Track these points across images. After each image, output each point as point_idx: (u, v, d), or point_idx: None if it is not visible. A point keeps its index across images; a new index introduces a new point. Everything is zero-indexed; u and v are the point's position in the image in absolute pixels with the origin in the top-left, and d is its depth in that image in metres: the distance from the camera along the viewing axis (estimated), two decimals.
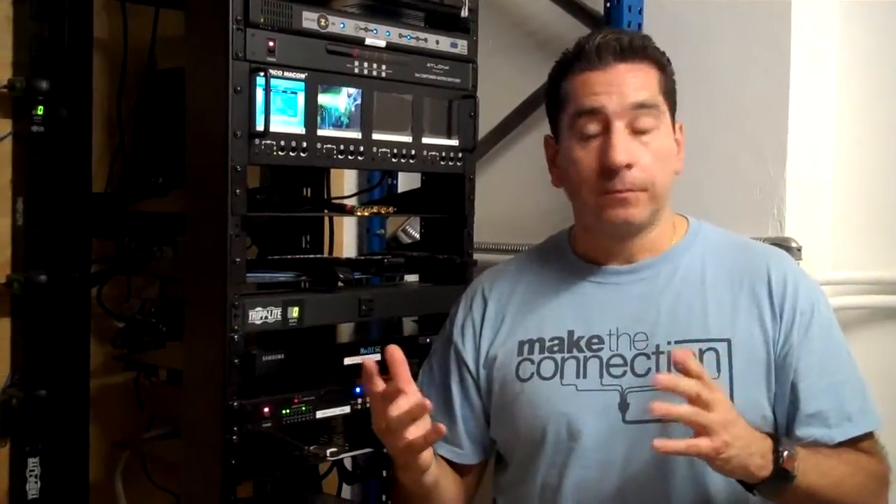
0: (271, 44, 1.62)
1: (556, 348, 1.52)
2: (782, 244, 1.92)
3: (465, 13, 1.93)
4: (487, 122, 2.40)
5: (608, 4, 2.23)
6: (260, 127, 1.59)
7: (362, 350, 1.82)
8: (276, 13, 1.63)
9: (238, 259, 1.60)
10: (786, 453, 1.32)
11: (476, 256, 2.01)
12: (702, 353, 1.44)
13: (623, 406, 1.45)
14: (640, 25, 2.21)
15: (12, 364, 1.90)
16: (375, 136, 1.79)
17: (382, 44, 1.79)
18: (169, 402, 1.89)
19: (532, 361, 1.52)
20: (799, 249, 1.97)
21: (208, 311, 1.62)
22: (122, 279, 2.00)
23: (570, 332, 1.52)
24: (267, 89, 1.59)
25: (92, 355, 1.97)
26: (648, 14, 2.21)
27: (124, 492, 2.00)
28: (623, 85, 1.46)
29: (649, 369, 1.45)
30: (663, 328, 1.47)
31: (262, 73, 1.59)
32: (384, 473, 2.59)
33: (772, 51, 2.03)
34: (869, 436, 1.47)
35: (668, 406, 1.25)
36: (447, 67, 1.90)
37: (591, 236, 1.56)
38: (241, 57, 1.58)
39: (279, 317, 1.66)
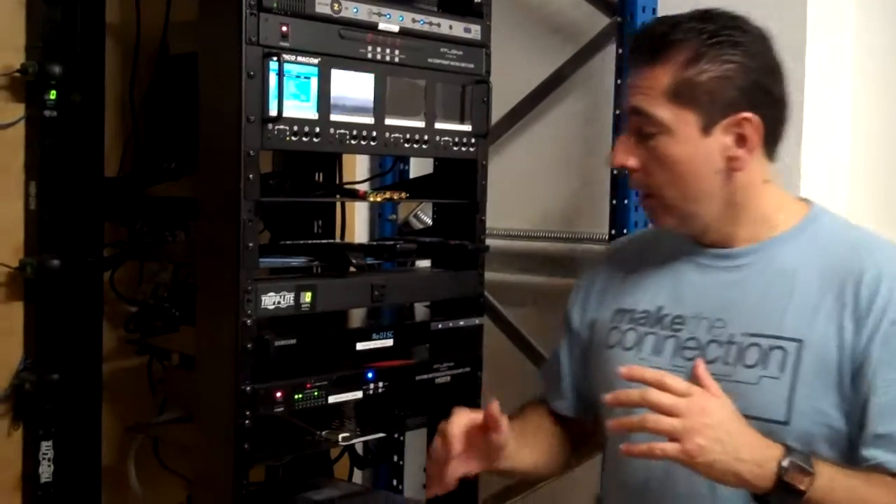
0: (284, 28, 1.61)
1: (642, 321, 1.54)
2: None
3: None
4: (500, 107, 2.40)
5: None
6: (273, 112, 1.59)
7: (374, 336, 1.82)
8: None
9: (251, 244, 1.60)
10: (788, 467, 1.26)
11: (488, 242, 2.01)
12: (770, 349, 1.39)
13: None
14: (654, 10, 2.20)
15: (25, 348, 1.90)
16: (388, 122, 1.78)
17: (396, 28, 1.78)
18: (181, 386, 1.90)
19: (620, 330, 1.56)
20: None
21: (221, 295, 1.62)
22: (135, 264, 2.00)
23: (659, 308, 1.53)
24: (280, 74, 1.59)
25: (105, 339, 1.98)
26: (663, 1, 2.20)
27: (137, 475, 2.01)
28: (633, 87, 1.46)
29: (718, 357, 1.43)
30: (742, 318, 1.44)
31: (275, 58, 1.58)
32: (395, 458, 2.60)
33: (788, 40, 2.01)
34: None
35: (621, 420, 1.30)
36: (460, 52, 1.89)
37: None
38: (254, 42, 1.58)
39: (292, 302, 1.66)
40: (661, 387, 1.28)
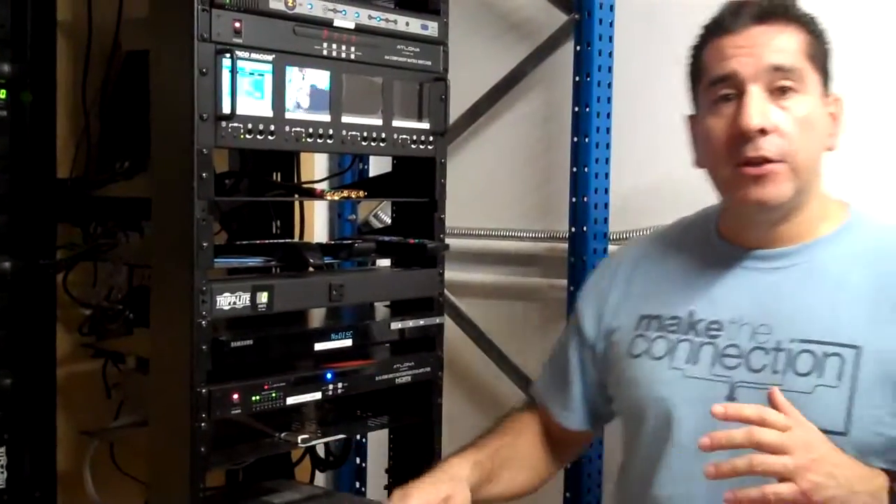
0: (237, 25, 1.59)
1: (672, 328, 1.46)
2: None
3: None
4: (459, 105, 2.39)
5: None
6: (227, 109, 1.56)
7: (333, 336, 1.80)
8: None
9: (205, 244, 1.58)
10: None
11: (448, 241, 1.99)
12: (825, 356, 1.34)
13: (731, 400, 1.37)
14: (612, 7, 2.20)
15: None
16: (345, 119, 1.76)
17: (351, 25, 1.77)
18: (137, 389, 1.87)
19: (646, 338, 1.48)
20: None
21: (175, 296, 1.60)
22: (89, 266, 1.97)
23: (691, 313, 1.46)
24: (233, 71, 1.57)
25: (58, 343, 1.94)
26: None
27: (93, 481, 1.98)
28: (758, 46, 1.38)
29: (765, 365, 1.37)
30: (789, 324, 1.38)
31: (228, 55, 1.56)
32: (357, 460, 2.59)
33: None
34: None
35: (724, 465, 1.17)
36: (418, 50, 1.88)
37: (730, 215, 1.48)
38: (206, 38, 1.55)
39: (248, 302, 1.64)
40: (763, 423, 1.19)
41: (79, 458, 1.98)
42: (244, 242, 1.96)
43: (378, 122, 1.82)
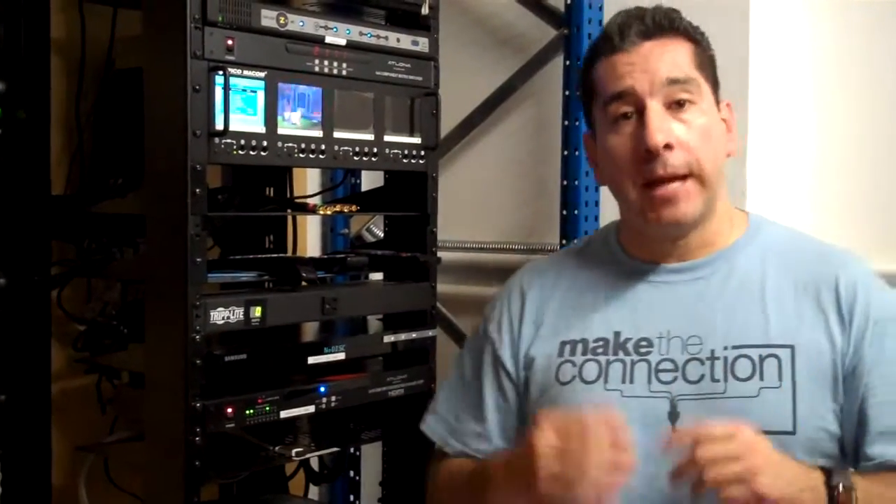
0: (230, 42, 1.61)
1: (600, 350, 1.43)
2: None
3: (425, 11, 1.93)
4: (450, 119, 2.41)
5: (568, 1, 2.24)
6: (219, 126, 1.58)
7: (326, 349, 1.81)
8: (234, 11, 1.61)
9: (199, 259, 1.59)
10: (840, 487, 1.23)
11: (440, 254, 2.01)
12: (762, 359, 1.35)
13: (673, 415, 1.36)
14: (600, 23, 2.22)
15: None
16: (337, 135, 1.78)
17: (343, 42, 1.79)
18: (132, 404, 1.87)
19: (573, 364, 1.44)
20: None
21: (169, 312, 1.61)
22: (83, 282, 1.98)
23: (617, 334, 1.43)
24: (226, 88, 1.58)
25: (53, 359, 1.95)
26: (608, 11, 2.22)
27: (88, 496, 1.98)
28: (651, 61, 1.37)
29: (703, 375, 1.36)
30: (719, 332, 1.38)
31: (220, 72, 1.58)
32: (351, 473, 2.59)
33: (730, 47, 2.04)
34: None
35: (695, 484, 1.19)
36: (408, 65, 1.90)
37: (635, 232, 1.47)
38: (199, 56, 1.57)
39: (241, 317, 1.65)
40: (706, 440, 1.20)
41: (74, 473, 1.99)
42: (237, 257, 1.97)
43: (370, 136, 1.84)
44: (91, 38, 1.97)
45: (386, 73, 1.86)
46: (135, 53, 1.73)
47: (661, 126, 1.35)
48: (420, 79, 1.92)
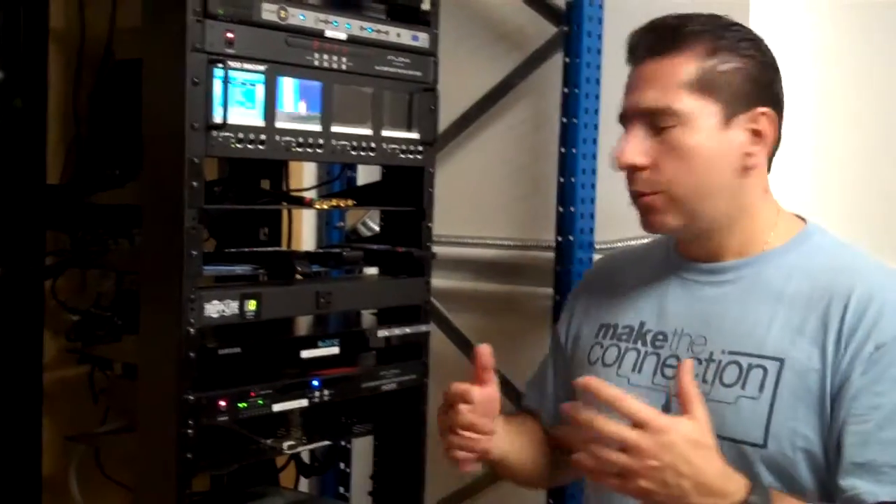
0: (230, 35, 1.60)
1: (624, 337, 1.51)
2: None
3: (426, 6, 1.93)
4: (448, 114, 2.41)
5: None
6: (218, 119, 1.58)
7: (320, 343, 1.82)
8: (234, 4, 1.61)
9: (194, 252, 1.59)
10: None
11: (436, 249, 2.01)
12: (750, 368, 1.35)
13: (667, 408, 1.38)
14: (600, 21, 2.22)
15: None
16: (335, 129, 1.78)
17: (343, 36, 1.78)
18: (124, 395, 1.87)
19: (602, 346, 1.53)
20: None
21: (164, 304, 1.61)
22: (77, 272, 1.98)
23: (642, 324, 1.50)
24: (225, 81, 1.58)
25: (45, 349, 1.95)
26: (609, 9, 2.22)
27: (79, 486, 1.98)
28: (642, 85, 1.40)
29: (697, 375, 1.37)
30: (723, 336, 1.39)
31: (220, 65, 1.58)
32: (342, 466, 2.60)
33: None
34: None
35: (576, 440, 1.26)
36: (408, 60, 1.90)
37: None
38: (199, 48, 1.57)
39: (236, 310, 1.65)
40: (619, 409, 1.22)
41: (64, 464, 1.99)
42: (233, 250, 1.97)
43: (368, 131, 1.84)
44: (90, 28, 1.96)
45: (385, 68, 1.86)
46: (134, 45, 1.71)
47: (633, 148, 1.40)
48: (419, 74, 1.92)
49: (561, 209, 2.24)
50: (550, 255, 2.29)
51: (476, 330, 2.50)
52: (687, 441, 1.21)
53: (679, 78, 1.38)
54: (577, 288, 1.72)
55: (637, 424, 1.21)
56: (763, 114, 1.39)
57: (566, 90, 2.23)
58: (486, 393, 1.46)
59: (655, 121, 1.39)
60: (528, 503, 2.30)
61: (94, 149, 1.96)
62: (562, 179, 2.24)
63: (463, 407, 1.44)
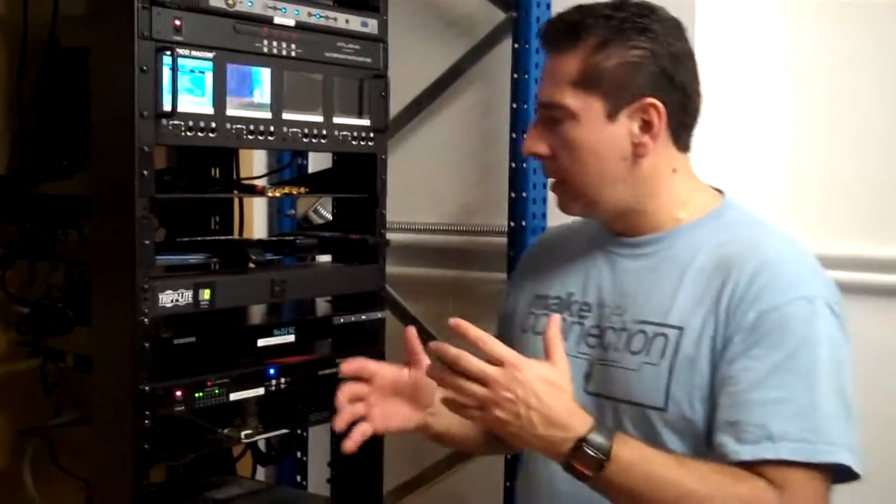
0: (178, 22, 1.59)
1: (553, 306, 1.56)
2: None
3: None
4: (399, 101, 2.41)
5: None
6: (167, 107, 1.56)
7: (275, 332, 1.81)
8: None
9: (146, 241, 1.58)
10: (575, 453, 1.27)
11: (389, 236, 2.01)
12: (654, 336, 1.41)
13: (587, 376, 1.48)
14: (549, 6, 2.23)
15: None
16: (286, 116, 1.77)
17: (291, 23, 1.77)
18: (77, 387, 1.86)
19: (535, 315, 1.59)
20: None
21: (117, 294, 1.60)
22: (26, 263, 1.95)
23: (570, 294, 1.55)
24: (174, 69, 1.57)
25: None
26: None
27: (33, 479, 1.96)
28: (544, 78, 1.48)
29: (611, 343, 1.46)
30: (637, 306, 1.45)
31: (168, 53, 1.56)
32: (298, 454, 2.60)
33: None
34: (804, 475, 1.28)
35: (438, 373, 1.32)
36: (357, 47, 1.89)
37: None
38: (146, 36, 1.55)
39: (190, 299, 1.64)
40: (482, 349, 1.29)
41: (17, 457, 1.97)
42: (185, 239, 1.96)
43: (319, 118, 1.83)
44: (34, 16, 1.93)
45: (335, 55, 1.86)
46: (80, 32, 1.70)
47: (534, 137, 1.48)
48: (369, 60, 1.92)
49: (513, 194, 2.26)
50: (503, 240, 2.30)
51: (430, 316, 2.51)
52: (539, 379, 1.29)
53: (565, 75, 1.43)
54: (519, 264, 1.78)
55: (496, 362, 1.29)
56: (651, 104, 1.42)
57: (515, 76, 2.25)
58: (415, 374, 1.53)
59: (550, 114, 1.46)
60: (485, 486, 2.32)
61: (41, 139, 1.93)
62: (513, 165, 2.26)
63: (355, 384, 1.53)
